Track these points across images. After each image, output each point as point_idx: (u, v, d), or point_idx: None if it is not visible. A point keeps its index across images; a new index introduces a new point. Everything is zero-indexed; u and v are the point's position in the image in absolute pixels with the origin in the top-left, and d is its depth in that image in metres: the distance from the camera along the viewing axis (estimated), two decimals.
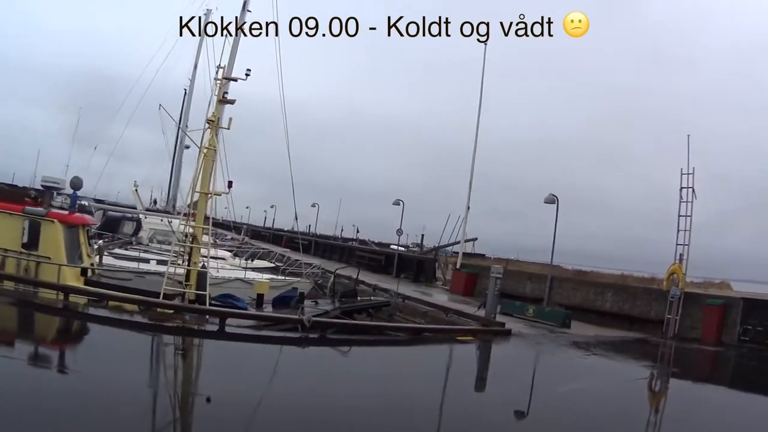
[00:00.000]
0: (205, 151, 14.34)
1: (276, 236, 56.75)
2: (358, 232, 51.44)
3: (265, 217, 66.33)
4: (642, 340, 19.45)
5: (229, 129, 14.87)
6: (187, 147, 30.24)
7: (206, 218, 15.05)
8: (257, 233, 59.46)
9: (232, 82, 15.08)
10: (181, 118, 31.30)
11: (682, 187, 21.03)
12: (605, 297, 22.58)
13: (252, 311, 14.97)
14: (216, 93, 15.01)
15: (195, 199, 15.02)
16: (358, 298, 19.87)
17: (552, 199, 24.22)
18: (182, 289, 13.86)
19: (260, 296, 16.18)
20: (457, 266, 30.07)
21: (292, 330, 13.11)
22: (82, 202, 20.82)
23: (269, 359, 11.46)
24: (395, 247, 54.36)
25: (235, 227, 62.35)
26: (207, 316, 13.42)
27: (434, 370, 12.39)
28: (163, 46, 22.21)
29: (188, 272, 14.21)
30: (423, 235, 46.67)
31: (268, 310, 15.73)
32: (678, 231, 20.89)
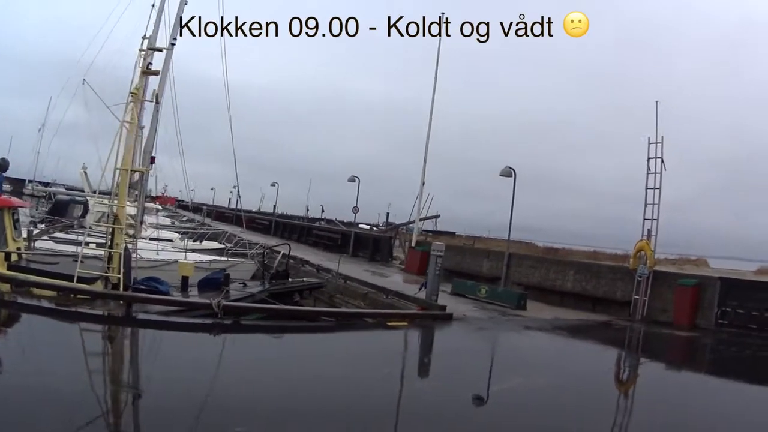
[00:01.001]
0: (127, 126, 13.58)
1: (238, 217, 54.36)
2: (323, 211, 49.35)
3: (230, 199, 64.04)
4: (605, 323, 16.67)
5: (152, 101, 14.80)
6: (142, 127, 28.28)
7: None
8: (221, 214, 57.86)
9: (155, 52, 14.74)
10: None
11: (649, 158, 18.21)
12: (566, 276, 19.79)
13: (159, 296, 13.33)
14: (140, 64, 14.31)
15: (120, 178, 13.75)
16: (290, 279, 18.06)
17: (508, 172, 21.83)
18: (101, 273, 12.78)
19: (185, 279, 14.89)
20: (413, 244, 27.21)
21: (209, 316, 11.54)
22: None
23: (170, 348, 10.16)
24: (365, 226, 52.29)
25: (199, 209, 60.05)
26: (121, 302, 12.07)
27: (343, 365, 9.77)
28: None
29: (110, 255, 13.17)
30: (388, 213, 44.24)
31: (193, 293, 14.55)
32: (646, 205, 18.11)
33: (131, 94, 13.87)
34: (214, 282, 15.36)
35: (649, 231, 17.78)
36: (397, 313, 14.39)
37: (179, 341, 10.81)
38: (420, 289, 16.35)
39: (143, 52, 14.47)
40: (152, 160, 15.09)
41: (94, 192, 26.99)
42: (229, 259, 20.32)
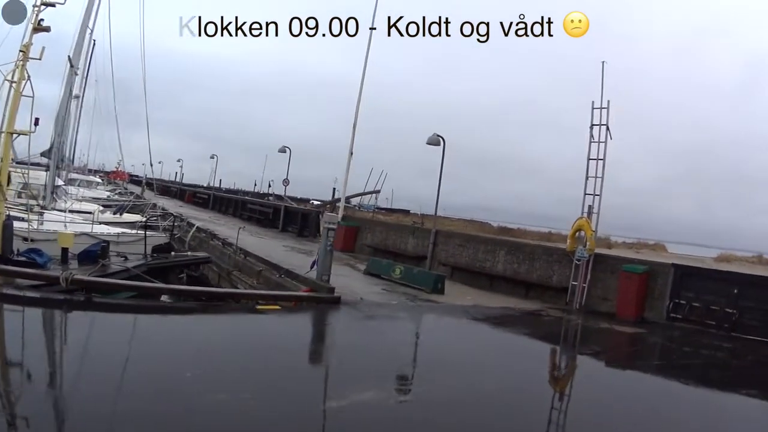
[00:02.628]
0: (14, 85, 12.37)
1: (182, 191, 51.81)
2: (269, 186, 46.22)
3: (176, 173, 60.60)
4: (533, 313, 13.28)
5: (40, 59, 12.97)
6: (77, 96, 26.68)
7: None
8: (166, 188, 55.31)
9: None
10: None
11: (593, 124, 14.80)
12: (497, 257, 16.39)
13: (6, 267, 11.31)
14: (32, 20, 12.87)
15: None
16: (173, 253, 16.60)
17: (436, 140, 18.96)
18: None
19: (64, 251, 13.22)
20: (339, 219, 23.57)
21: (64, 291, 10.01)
22: None
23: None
24: (316, 202, 49.14)
25: (150, 183, 56.96)
26: None
27: (158, 360, 7.09)
28: None
29: None
30: (334, 189, 40.75)
31: (73, 266, 12.91)
32: (587, 177, 14.70)
33: (20, 52, 12.66)
34: (94, 254, 13.80)
35: (590, 208, 14.43)
36: (272, 295, 11.86)
37: (12, 318, 8.86)
38: (312, 267, 13.24)
39: (36, 8, 13.18)
40: (36, 121, 13.16)
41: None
42: (138, 231, 18.06)
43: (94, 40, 28.13)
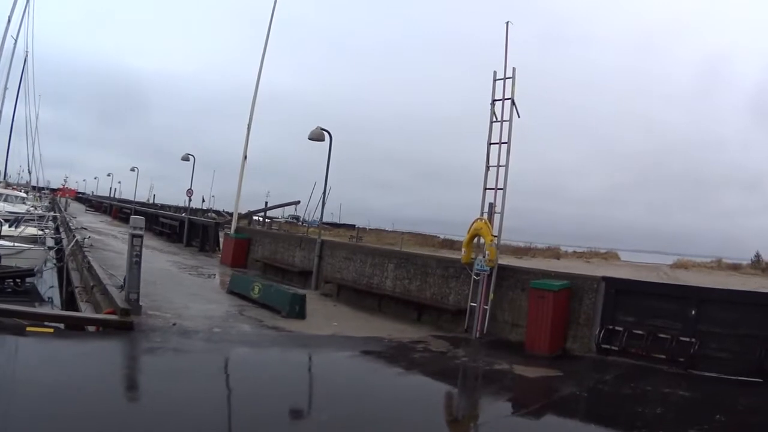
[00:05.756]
0: None
1: (111, 206, 47.60)
2: (204, 201, 41.84)
3: (113, 189, 56.59)
4: (409, 346, 8.84)
5: None
6: None
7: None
8: (99, 204, 53.34)
9: None
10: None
11: (494, 100, 10.68)
12: (385, 271, 12.12)
13: None
14: None
15: None
16: None
17: (320, 135, 15.33)
18: None
19: None
20: (232, 231, 19.22)
21: None
22: None
23: None
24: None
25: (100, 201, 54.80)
26: None
27: None
28: None
29: None
30: (266, 202, 36.22)
31: None
32: (488, 167, 10.53)
33: None
34: None
35: (491, 206, 10.18)
36: (43, 314, 9.42)
37: None
38: (123, 285, 9.92)
39: None
40: None
41: None
42: (15, 244, 16.70)
43: (27, 51, 25.54)
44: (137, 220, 9.95)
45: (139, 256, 9.34)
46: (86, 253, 15.56)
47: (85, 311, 10.56)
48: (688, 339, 8.09)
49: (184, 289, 12.68)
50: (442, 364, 7.85)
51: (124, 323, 8.29)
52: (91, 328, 8.51)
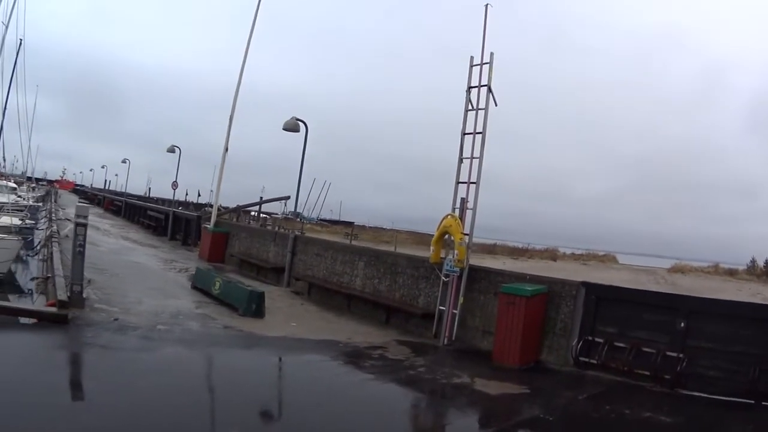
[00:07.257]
0: None
1: (104, 198, 47.43)
2: (199, 195, 41.86)
3: (108, 181, 56.36)
4: (364, 352, 7.90)
5: None
6: None
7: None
8: (92, 195, 53.01)
9: None
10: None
11: (470, 87, 9.73)
12: (355, 269, 11.19)
13: None
14: None
15: None
16: None
17: (295, 126, 15.41)
18: None
19: None
20: (211, 225, 18.35)
21: None
22: None
23: None
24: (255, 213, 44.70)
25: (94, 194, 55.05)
26: None
27: None
28: None
29: None
30: (262, 197, 35.25)
31: None
32: (461, 160, 9.58)
33: None
34: None
35: (464, 201, 9.21)
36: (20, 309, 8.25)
37: None
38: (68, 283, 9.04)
39: None
40: None
41: None
42: None
43: (21, 39, 24.94)
44: (82, 208, 9.16)
45: (83, 246, 8.87)
46: (53, 244, 14.76)
47: (36, 303, 9.90)
48: (675, 354, 7.15)
49: (147, 283, 11.88)
50: (393, 375, 6.86)
51: (58, 316, 7.61)
52: (27, 320, 7.70)
